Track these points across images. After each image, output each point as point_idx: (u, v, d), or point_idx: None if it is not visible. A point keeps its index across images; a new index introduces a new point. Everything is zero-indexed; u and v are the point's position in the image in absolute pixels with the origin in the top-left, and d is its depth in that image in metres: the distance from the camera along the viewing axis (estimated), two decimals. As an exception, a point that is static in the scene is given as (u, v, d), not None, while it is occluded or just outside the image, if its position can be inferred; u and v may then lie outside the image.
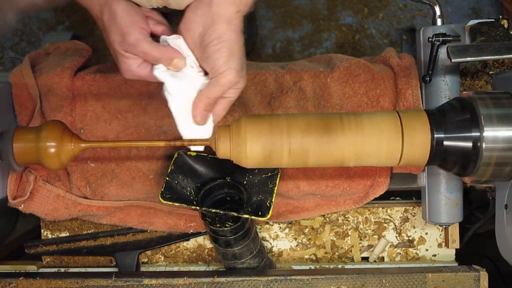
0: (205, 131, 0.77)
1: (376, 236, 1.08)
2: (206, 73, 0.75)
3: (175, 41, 0.73)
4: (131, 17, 0.71)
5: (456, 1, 1.93)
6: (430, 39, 0.86)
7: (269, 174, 0.89)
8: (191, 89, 0.74)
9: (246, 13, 0.71)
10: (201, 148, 0.79)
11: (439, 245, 1.08)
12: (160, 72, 0.74)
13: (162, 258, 1.08)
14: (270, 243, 1.08)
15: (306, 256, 1.08)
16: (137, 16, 0.71)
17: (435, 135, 0.73)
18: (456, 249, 1.07)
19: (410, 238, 1.08)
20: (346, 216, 1.08)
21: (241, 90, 0.75)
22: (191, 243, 1.08)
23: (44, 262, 1.07)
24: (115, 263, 1.06)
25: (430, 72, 0.87)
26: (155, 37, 0.75)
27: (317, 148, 0.74)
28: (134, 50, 0.71)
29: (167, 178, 0.89)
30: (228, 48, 0.70)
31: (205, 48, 0.71)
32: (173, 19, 0.76)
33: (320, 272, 0.96)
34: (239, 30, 0.70)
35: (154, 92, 0.95)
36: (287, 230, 1.08)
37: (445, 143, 0.73)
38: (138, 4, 0.73)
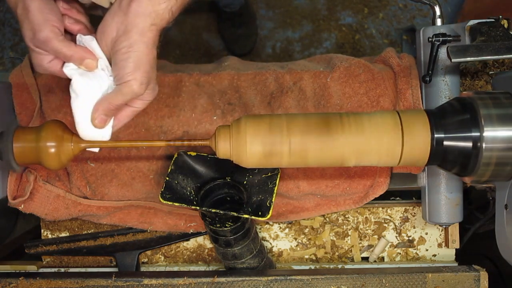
0: (102, 135, 0.76)
1: (376, 236, 1.08)
2: None
3: (90, 42, 0.73)
4: (44, 14, 0.70)
5: (456, 1, 1.94)
6: (430, 39, 0.86)
7: (269, 174, 0.89)
8: (97, 91, 0.74)
9: (163, 27, 0.70)
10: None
11: (439, 245, 1.08)
12: (70, 70, 0.73)
13: (162, 258, 1.08)
14: (270, 243, 1.08)
15: (306, 256, 1.08)
16: (50, 14, 0.71)
17: (435, 135, 0.73)
18: (456, 249, 1.07)
19: (410, 238, 1.08)
20: (346, 216, 1.08)
21: (148, 103, 0.75)
22: (191, 243, 1.08)
23: (44, 262, 1.07)
24: (115, 263, 1.06)
25: (430, 72, 0.87)
26: (72, 36, 0.75)
27: (317, 148, 0.74)
28: (44, 47, 0.71)
29: (167, 178, 0.89)
30: (135, 59, 0.69)
31: (115, 54, 0.70)
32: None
33: (320, 272, 0.96)
34: (151, 44, 0.69)
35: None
36: (287, 230, 1.08)
37: (445, 143, 0.73)
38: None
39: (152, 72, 0.72)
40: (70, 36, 0.75)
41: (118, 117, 0.76)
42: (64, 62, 0.74)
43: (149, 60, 0.70)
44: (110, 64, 0.73)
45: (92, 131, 0.76)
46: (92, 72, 0.73)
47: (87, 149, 0.79)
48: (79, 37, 0.74)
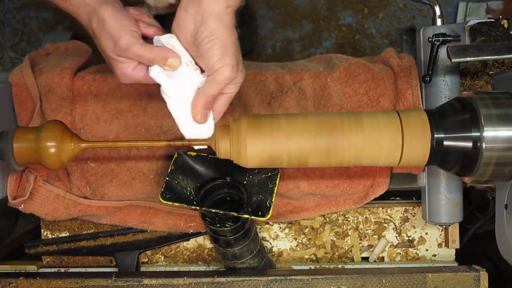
0: (206, 130, 0.76)
1: (376, 236, 1.08)
2: (202, 70, 0.74)
3: (169, 40, 0.73)
4: (120, 21, 0.70)
5: (456, 1, 1.93)
6: (430, 39, 0.86)
7: (269, 174, 0.89)
8: (189, 88, 0.74)
9: (238, 7, 0.70)
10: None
11: (439, 245, 1.08)
12: (156, 73, 0.73)
13: (162, 258, 1.08)
14: (270, 243, 1.08)
15: (306, 256, 1.08)
16: (126, 20, 0.71)
17: (435, 135, 0.73)
18: (456, 249, 1.07)
19: (410, 238, 1.08)
20: (346, 216, 1.08)
21: (240, 85, 0.75)
22: (191, 243, 1.08)
23: (44, 262, 1.07)
24: (115, 263, 1.06)
25: (430, 72, 0.87)
26: (147, 39, 0.75)
27: (317, 148, 0.74)
28: (127, 54, 0.71)
29: (167, 178, 0.89)
30: (220, 44, 0.69)
31: (198, 46, 0.70)
32: (167, 21, 0.76)
33: (320, 272, 0.96)
34: (231, 26, 0.70)
35: (154, 92, 0.95)
36: (287, 230, 1.08)
37: (445, 143, 0.73)
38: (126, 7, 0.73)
39: (239, 54, 0.72)
40: (146, 40, 0.75)
41: (215, 108, 0.76)
42: (147, 67, 0.73)
43: (233, 42, 0.70)
44: (193, 58, 0.73)
45: (196, 128, 0.76)
46: (178, 71, 0.73)
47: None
48: (156, 38, 0.74)
